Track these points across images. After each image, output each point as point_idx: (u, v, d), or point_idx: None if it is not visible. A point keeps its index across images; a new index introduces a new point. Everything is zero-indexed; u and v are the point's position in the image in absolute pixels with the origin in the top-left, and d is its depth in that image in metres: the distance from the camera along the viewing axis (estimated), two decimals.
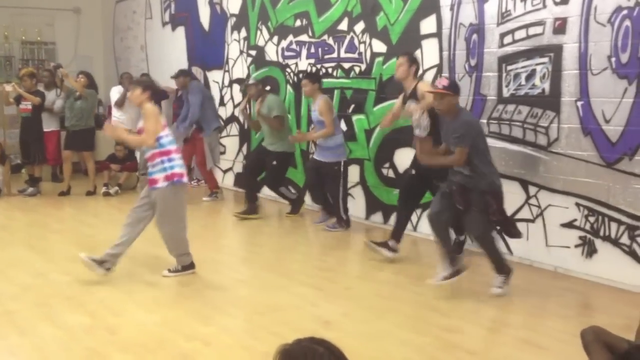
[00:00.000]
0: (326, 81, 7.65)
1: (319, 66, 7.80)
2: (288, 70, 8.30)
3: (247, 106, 8.24)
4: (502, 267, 4.77)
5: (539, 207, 5.47)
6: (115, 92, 10.10)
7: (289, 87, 8.31)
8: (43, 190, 9.25)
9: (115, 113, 10.08)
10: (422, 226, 6.61)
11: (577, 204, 5.17)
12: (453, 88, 4.67)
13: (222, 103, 9.57)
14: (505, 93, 5.67)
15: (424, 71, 6.41)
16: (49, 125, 9.71)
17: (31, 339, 4.04)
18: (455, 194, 4.71)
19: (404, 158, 6.71)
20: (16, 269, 5.57)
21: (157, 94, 5.27)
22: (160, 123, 5.09)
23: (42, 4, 11.96)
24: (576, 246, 5.21)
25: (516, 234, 4.87)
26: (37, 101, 9.11)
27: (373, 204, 7.20)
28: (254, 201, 7.68)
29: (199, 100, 8.51)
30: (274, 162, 7.49)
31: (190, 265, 5.34)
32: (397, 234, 5.73)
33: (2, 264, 5.77)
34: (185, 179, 5.14)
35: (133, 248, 6.38)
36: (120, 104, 9.99)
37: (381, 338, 4.06)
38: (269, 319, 4.33)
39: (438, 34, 6.27)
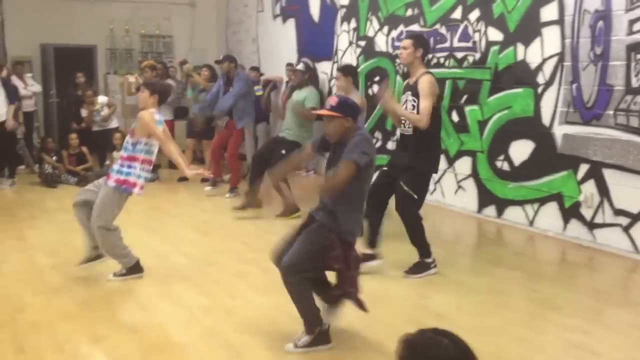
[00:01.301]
0: (438, 71, 7.48)
1: (430, 56, 7.66)
2: (397, 60, 8.21)
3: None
4: (310, 326, 3.72)
5: None
6: None
7: (398, 77, 8.22)
8: (161, 176, 9.71)
9: None
10: (538, 221, 6.36)
11: None
12: (341, 109, 3.66)
13: (330, 94, 9.61)
14: (635, 83, 5.31)
15: (544, 60, 6.14)
16: (164, 114, 10.13)
17: (153, 316, 4.25)
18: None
19: (520, 151, 6.48)
20: (137, 250, 5.81)
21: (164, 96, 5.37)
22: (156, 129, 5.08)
23: None
24: None
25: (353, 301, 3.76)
26: None
27: (486, 198, 6.99)
28: (255, 194, 7.08)
29: (241, 91, 8.16)
30: (283, 151, 6.74)
31: (136, 267, 5.01)
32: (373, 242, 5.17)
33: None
34: (136, 190, 5.04)
35: (246, 233, 6.60)
36: None
37: (496, 334, 3.93)
38: (379, 309, 4.28)
39: (560, 21, 5.98)
